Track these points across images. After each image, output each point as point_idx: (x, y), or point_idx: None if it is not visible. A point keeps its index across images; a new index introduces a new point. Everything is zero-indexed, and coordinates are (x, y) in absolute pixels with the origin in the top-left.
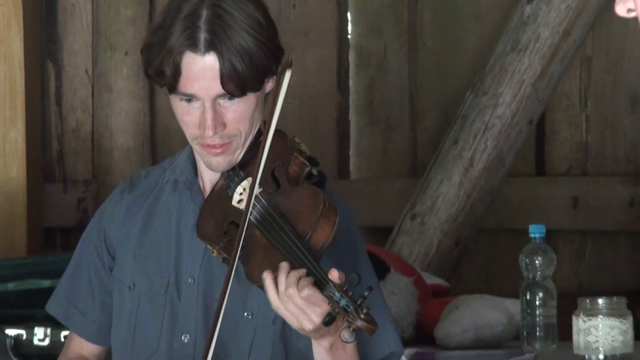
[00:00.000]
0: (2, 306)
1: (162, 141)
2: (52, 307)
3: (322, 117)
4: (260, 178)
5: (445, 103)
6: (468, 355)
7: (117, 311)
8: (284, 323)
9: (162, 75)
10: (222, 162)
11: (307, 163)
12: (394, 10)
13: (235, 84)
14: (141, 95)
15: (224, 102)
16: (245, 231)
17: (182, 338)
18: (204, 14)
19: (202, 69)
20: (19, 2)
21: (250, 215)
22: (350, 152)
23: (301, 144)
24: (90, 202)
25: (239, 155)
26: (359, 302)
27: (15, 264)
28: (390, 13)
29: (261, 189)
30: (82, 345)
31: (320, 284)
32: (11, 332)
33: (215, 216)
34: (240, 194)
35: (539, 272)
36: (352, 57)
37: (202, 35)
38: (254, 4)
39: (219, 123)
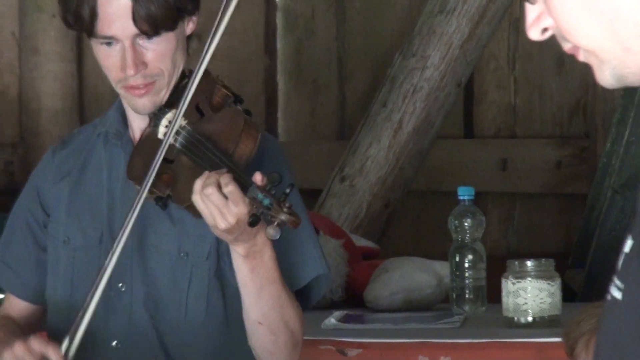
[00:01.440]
0: None
1: (90, 104)
2: None
3: (250, 80)
4: (185, 111)
5: (373, 65)
6: (397, 317)
7: (53, 266)
8: (217, 258)
9: (80, 20)
10: (147, 103)
11: (230, 95)
12: None
13: (149, 23)
14: (69, 58)
15: (143, 42)
16: (171, 161)
17: (119, 286)
18: None
19: (116, 10)
20: None
21: (176, 142)
22: (278, 115)
23: (224, 81)
24: (18, 164)
25: (164, 96)
26: (281, 198)
27: None
28: None
29: (186, 121)
30: (11, 305)
31: (243, 186)
32: None
33: (144, 156)
34: (166, 126)
35: (468, 235)
36: (279, 19)
37: None
38: None
39: (140, 62)
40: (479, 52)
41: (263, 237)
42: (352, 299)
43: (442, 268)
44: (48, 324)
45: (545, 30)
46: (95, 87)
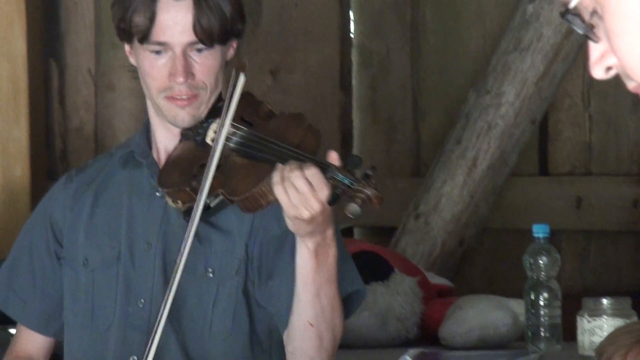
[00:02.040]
0: None
1: None
2: None
3: (325, 117)
4: (232, 120)
5: (448, 102)
6: (472, 355)
7: (72, 292)
8: (246, 275)
9: (134, 25)
10: (187, 116)
11: (275, 111)
12: (397, 8)
13: (206, 32)
14: (144, 94)
15: (193, 54)
16: (219, 159)
17: (138, 303)
18: None
19: (175, 15)
20: (22, 1)
21: (229, 142)
22: (353, 152)
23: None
24: None
25: (202, 111)
26: (365, 174)
27: None
28: (392, 11)
29: (233, 131)
30: (28, 341)
31: (322, 168)
32: None
33: (181, 166)
34: (214, 131)
35: (543, 272)
36: (354, 56)
37: None
38: None
39: (189, 72)
40: (553, 89)
41: (332, 231)
42: (427, 336)
43: (517, 306)
44: (66, 351)
45: (609, 69)
46: None
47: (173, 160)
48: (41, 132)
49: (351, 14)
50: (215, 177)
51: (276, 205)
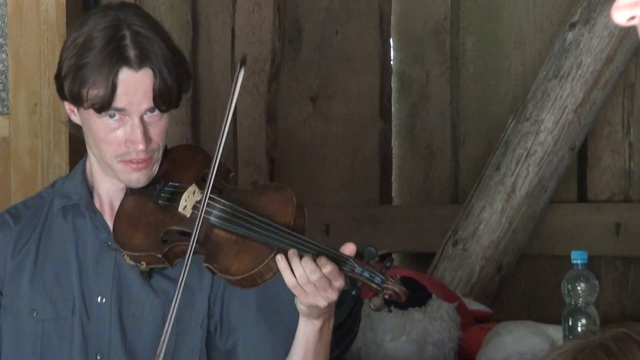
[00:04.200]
0: None
1: None
2: None
3: (365, 144)
4: (197, 186)
5: (487, 129)
6: None
7: (14, 339)
8: (207, 328)
9: (91, 98)
10: (142, 177)
11: (229, 168)
12: (436, 36)
13: (165, 98)
14: (184, 121)
15: (149, 118)
16: (198, 233)
17: (97, 357)
18: (127, 34)
19: (135, 84)
20: (63, 28)
21: (209, 215)
22: (393, 178)
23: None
24: None
25: (155, 170)
26: (382, 270)
27: None
28: (432, 39)
29: (202, 197)
30: None
31: (339, 263)
32: None
33: (142, 228)
34: (186, 200)
35: (581, 299)
36: (394, 83)
37: (132, 53)
38: (157, 25)
39: (147, 138)
40: (593, 116)
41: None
42: None
43: (555, 332)
44: None
45: (632, 18)
46: (209, 150)
47: (128, 219)
48: (81, 159)
49: (391, 41)
50: (194, 250)
51: None
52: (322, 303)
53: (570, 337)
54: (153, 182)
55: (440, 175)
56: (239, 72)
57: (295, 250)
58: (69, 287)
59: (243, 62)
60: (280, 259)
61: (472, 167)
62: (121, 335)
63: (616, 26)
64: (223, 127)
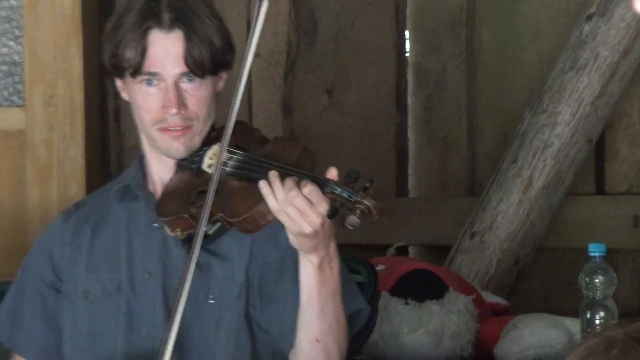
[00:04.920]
0: None
1: None
2: None
3: (381, 136)
4: (227, 146)
5: (503, 121)
6: None
7: (72, 324)
8: (247, 300)
9: (126, 60)
10: (181, 147)
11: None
12: (452, 28)
13: (198, 63)
14: None
15: (185, 85)
16: (217, 185)
17: (141, 332)
18: None
19: (166, 46)
20: (79, 20)
21: (226, 166)
22: (409, 171)
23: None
24: None
25: (196, 142)
26: (363, 187)
27: None
28: (448, 31)
29: (229, 157)
30: None
31: (319, 185)
32: None
33: (178, 196)
34: (210, 158)
35: (599, 291)
36: (410, 76)
37: (166, 15)
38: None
39: (181, 103)
40: (610, 108)
41: (334, 245)
42: (482, 355)
43: (573, 325)
44: None
45: None
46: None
47: (170, 191)
48: (97, 151)
49: (407, 33)
50: (214, 203)
51: (274, 231)
52: (307, 228)
53: (589, 330)
54: (196, 152)
55: (457, 168)
56: (260, 5)
57: (276, 172)
58: (117, 266)
59: None
60: (263, 185)
61: (488, 160)
62: (165, 311)
63: (633, 18)
64: (242, 66)
